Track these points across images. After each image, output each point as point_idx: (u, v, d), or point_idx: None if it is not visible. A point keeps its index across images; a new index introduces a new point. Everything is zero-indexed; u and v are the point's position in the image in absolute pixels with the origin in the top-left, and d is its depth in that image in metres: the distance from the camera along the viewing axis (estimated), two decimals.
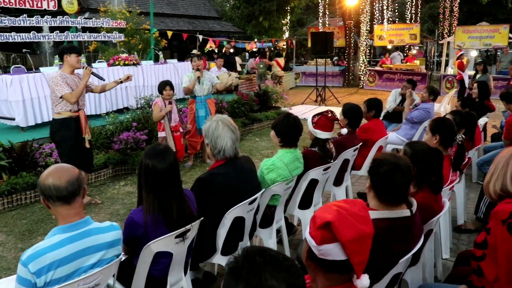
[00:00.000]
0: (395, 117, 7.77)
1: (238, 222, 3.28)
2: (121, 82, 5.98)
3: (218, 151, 3.23)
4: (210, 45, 17.22)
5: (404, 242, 2.34)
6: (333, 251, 1.57)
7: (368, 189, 2.46)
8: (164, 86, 6.55)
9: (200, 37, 16.12)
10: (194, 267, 3.62)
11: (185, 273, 3.10)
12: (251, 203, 3.28)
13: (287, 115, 3.84)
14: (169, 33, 14.89)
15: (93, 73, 5.44)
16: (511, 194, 2.38)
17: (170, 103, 6.55)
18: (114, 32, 11.56)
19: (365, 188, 2.55)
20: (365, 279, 1.66)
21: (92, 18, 11.24)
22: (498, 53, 19.61)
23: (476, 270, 2.48)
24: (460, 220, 5.12)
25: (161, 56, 11.68)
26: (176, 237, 2.72)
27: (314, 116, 4.09)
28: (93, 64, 10.20)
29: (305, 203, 4.21)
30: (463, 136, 3.75)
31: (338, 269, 1.63)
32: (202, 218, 2.88)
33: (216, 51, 18.86)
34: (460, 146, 3.79)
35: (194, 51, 14.28)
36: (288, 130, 3.75)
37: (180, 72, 11.58)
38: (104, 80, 5.90)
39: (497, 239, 2.33)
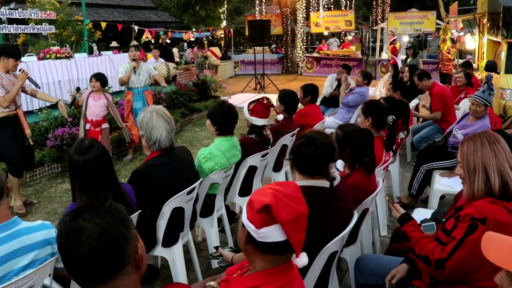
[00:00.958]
0: (332, 101, 7.93)
1: (178, 212, 3.26)
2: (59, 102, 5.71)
3: (154, 142, 3.18)
4: (147, 36, 16.86)
5: (323, 212, 2.41)
6: (272, 233, 1.59)
7: (290, 164, 2.61)
8: (90, 78, 6.44)
9: (136, 27, 15.73)
10: None
11: None
12: (189, 193, 3.26)
13: (221, 103, 3.84)
14: (103, 24, 14.43)
15: (29, 78, 5.21)
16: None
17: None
18: (44, 23, 11.05)
19: None
20: (304, 257, 1.70)
21: (18, 9, 10.68)
22: (429, 38, 20.41)
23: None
24: (396, 199, 5.33)
25: (95, 48, 11.30)
26: None
27: (250, 104, 4.11)
28: (23, 58, 9.72)
29: (245, 190, 4.24)
30: (394, 118, 3.89)
31: (278, 250, 1.65)
32: (140, 211, 2.84)
33: (153, 41, 18.49)
34: (391, 128, 3.93)
35: (134, 42, 13.93)
36: (224, 118, 3.74)
37: (116, 64, 11.26)
38: (39, 87, 5.68)
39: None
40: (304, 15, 19.81)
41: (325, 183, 2.48)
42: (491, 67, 8.46)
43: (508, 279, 1.33)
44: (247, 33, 17.87)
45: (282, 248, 1.64)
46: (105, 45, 19.58)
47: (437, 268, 2.28)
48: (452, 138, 5.11)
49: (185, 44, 25.21)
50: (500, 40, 8.92)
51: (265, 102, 4.08)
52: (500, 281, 1.37)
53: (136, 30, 15.73)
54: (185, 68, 15.73)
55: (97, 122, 6.39)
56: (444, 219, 2.56)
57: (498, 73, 8.40)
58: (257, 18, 18.81)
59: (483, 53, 10.66)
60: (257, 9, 20.02)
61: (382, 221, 4.62)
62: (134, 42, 14.03)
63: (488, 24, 10.21)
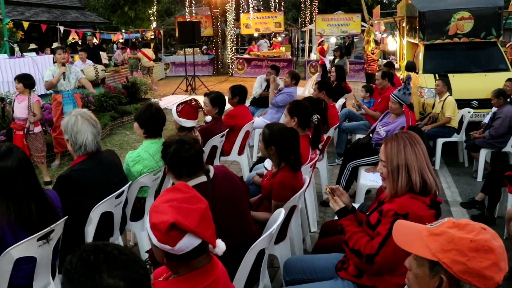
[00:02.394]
0: (261, 102, 8.06)
1: (107, 217, 3.21)
2: None
3: (79, 147, 3.12)
4: (73, 37, 16.31)
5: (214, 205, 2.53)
6: (188, 242, 1.61)
7: (168, 173, 2.72)
8: (14, 79, 6.25)
9: (62, 28, 15.17)
10: None
11: (53, 277, 2.97)
12: (118, 196, 3.23)
13: (149, 106, 3.83)
14: (25, 24, 13.79)
15: None
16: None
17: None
18: None
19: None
20: (220, 244, 1.77)
21: None
22: (355, 39, 21.17)
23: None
24: (324, 194, 5.51)
25: (16, 49, 10.79)
26: (38, 240, 2.58)
27: (178, 105, 4.13)
28: None
29: None
30: (319, 117, 4.04)
31: (199, 252, 1.68)
32: (66, 217, 2.78)
33: (80, 43, 17.91)
34: (317, 126, 4.08)
35: (56, 44, 13.42)
36: (151, 121, 3.74)
37: (40, 66, 10.78)
38: None
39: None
40: (234, 17, 19.95)
41: (203, 178, 2.62)
42: (411, 67, 8.94)
43: (416, 262, 1.45)
44: (177, 35, 17.72)
45: (202, 249, 1.68)
46: (29, 46, 18.73)
47: (367, 263, 2.40)
48: (376, 135, 5.38)
49: (115, 45, 24.59)
50: (417, 42, 9.43)
51: (193, 103, 4.11)
52: (409, 265, 1.49)
53: (62, 31, 15.18)
54: (115, 70, 15.35)
55: (20, 125, 6.12)
56: (368, 213, 2.71)
57: (417, 73, 8.88)
58: (187, 20, 18.70)
59: (404, 54, 11.23)
60: (187, 10, 19.91)
61: (312, 217, 4.77)
62: (57, 44, 13.52)
63: (407, 27, 10.77)
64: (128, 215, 3.71)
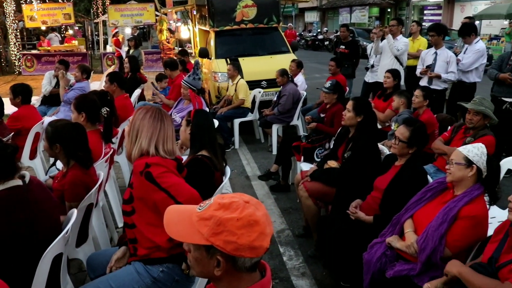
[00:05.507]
0: (53, 100, 7.50)
1: None
2: None
3: None
4: None
5: (24, 208, 2.41)
6: None
7: None
8: None
9: None
10: None
11: None
12: None
13: None
14: None
15: None
16: (149, 153, 2.62)
17: None
18: None
19: None
20: None
21: None
22: (151, 29, 21.08)
23: (130, 224, 2.66)
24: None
25: None
26: None
27: None
28: None
29: None
30: (108, 109, 3.92)
31: None
32: None
33: None
34: (107, 119, 3.95)
35: None
36: None
37: None
38: None
39: (142, 190, 2.56)
40: (15, 8, 18.07)
41: (18, 182, 2.45)
42: (204, 53, 9.26)
43: (193, 246, 1.49)
44: None
45: None
46: None
47: None
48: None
49: None
50: (208, 29, 9.80)
51: None
52: (188, 248, 1.52)
53: None
54: None
55: None
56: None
57: (210, 59, 9.24)
58: None
59: (197, 41, 11.56)
60: None
61: (117, 212, 4.65)
62: None
63: (198, 15, 11.10)
64: None
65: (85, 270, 3.76)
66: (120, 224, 4.64)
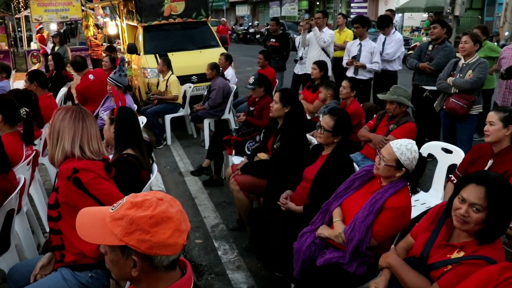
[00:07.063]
0: None
1: None
2: None
3: None
4: None
5: None
6: None
7: None
8: None
9: None
10: None
11: None
12: None
13: None
14: None
15: None
16: (75, 155, 2.51)
17: None
18: None
19: None
20: None
21: None
22: (79, 24, 20.29)
23: (56, 230, 2.57)
24: None
25: None
26: None
27: None
28: None
29: None
30: (27, 110, 3.74)
31: None
32: None
33: None
34: (27, 120, 3.77)
35: None
36: None
37: None
38: None
39: (69, 196, 2.47)
40: None
41: None
42: (132, 49, 9.04)
43: (109, 248, 1.46)
44: None
45: None
46: None
47: None
48: (99, 120, 5.33)
49: None
50: (136, 24, 9.57)
51: None
52: (104, 250, 1.49)
53: None
54: None
55: None
56: None
57: (139, 55, 9.04)
58: None
59: (125, 37, 11.27)
60: None
61: (45, 216, 4.47)
62: None
63: (125, 10, 10.80)
64: None
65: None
66: (48, 229, 4.46)
